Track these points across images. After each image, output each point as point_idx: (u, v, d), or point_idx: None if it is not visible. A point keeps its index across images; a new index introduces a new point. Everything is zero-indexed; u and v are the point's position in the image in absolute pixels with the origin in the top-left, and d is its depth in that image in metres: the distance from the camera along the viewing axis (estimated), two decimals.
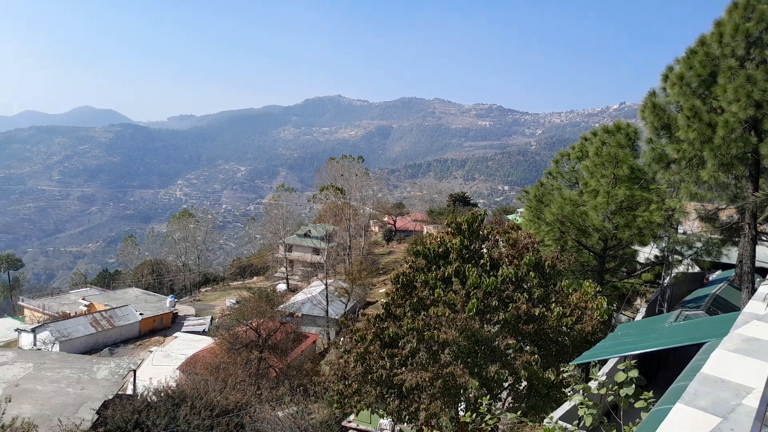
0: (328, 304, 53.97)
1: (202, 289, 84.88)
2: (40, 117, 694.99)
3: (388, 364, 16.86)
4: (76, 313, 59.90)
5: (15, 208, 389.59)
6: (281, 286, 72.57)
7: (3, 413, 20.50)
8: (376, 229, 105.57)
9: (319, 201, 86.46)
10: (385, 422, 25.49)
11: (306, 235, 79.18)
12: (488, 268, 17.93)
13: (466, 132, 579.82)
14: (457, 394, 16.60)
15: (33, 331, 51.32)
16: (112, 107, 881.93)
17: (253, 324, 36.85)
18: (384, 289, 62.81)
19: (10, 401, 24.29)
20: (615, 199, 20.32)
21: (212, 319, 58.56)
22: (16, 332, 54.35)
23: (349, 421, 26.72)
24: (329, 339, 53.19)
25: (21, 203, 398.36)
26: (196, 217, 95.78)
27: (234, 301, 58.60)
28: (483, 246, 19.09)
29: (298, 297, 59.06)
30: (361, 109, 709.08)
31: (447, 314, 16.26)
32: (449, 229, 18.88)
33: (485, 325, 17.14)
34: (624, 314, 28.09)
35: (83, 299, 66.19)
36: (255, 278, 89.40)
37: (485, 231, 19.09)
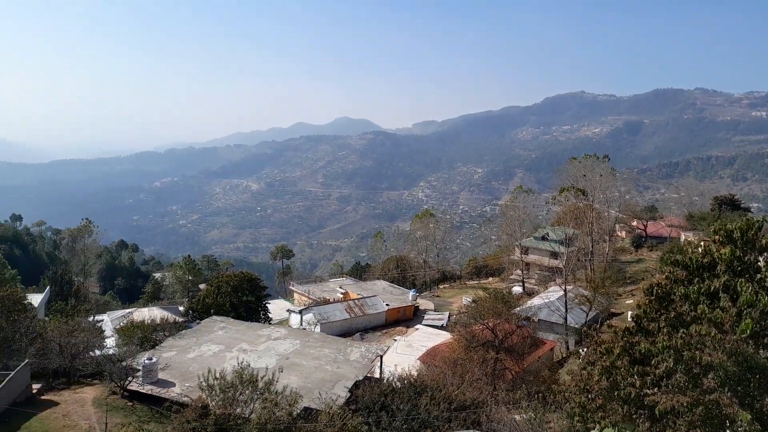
0: (567, 311, 51.71)
1: (440, 286, 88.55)
2: (309, 128, 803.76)
3: (637, 382, 15.49)
4: (334, 299, 67.69)
5: (288, 207, 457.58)
6: (517, 289, 71.81)
7: (277, 381, 24.33)
8: (623, 234, 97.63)
9: (559, 203, 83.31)
10: None
11: (544, 238, 77.00)
12: (767, 284, 15.26)
13: (736, 125, 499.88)
14: (721, 425, 14.52)
15: (300, 312, 59.44)
16: (365, 117, 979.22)
17: (490, 324, 37.16)
18: (632, 301, 57.84)
19: (282, 371, 28.67)
20: None
21: (450, 315, 60.68)
22: (287, 312, 63.61)
23: None
24: (568, 348, 50.96)
25: (293, 202, 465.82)
26: (436, 217, 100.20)
27: (470, 300, 59.78)
28: (760, 258, 16.30)
29: (535, 301, 57.77)
30: (606, 105, 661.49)
31: (712, 334, 14.29)
32: (716, 237, 16.54)
33: (761, 351, 14.65)
34: None
35: (340, 287, 74.50)
36: (490, 279, 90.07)
37: (764, 241, 16.26)
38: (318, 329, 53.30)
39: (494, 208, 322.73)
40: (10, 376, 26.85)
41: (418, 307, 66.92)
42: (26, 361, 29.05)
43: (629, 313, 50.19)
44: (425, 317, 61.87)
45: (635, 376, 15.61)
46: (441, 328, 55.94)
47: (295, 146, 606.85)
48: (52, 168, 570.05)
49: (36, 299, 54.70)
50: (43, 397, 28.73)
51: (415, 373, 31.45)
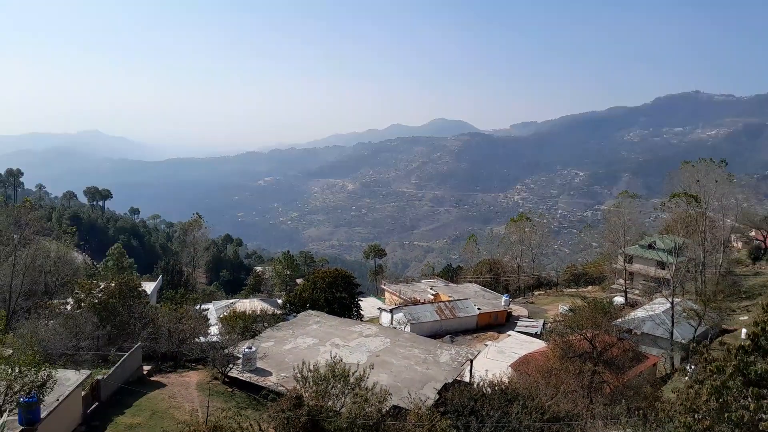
0: (673, 325, 48.40)
1: (535, 292, 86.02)
2: (404, 129, 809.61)
3: (752, 405, 14.24)
4: (424, 300, 67.73)
5: (382, 207, 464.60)
6: (618, 299, 68.27)
7: (367, 377, 24.72)
8: (739, 245, 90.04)
9: (668, 209, 78.23)
10: None
11: (650, 247, 72.53)
12: None
13: None
14: None
15: (391, 311, 60.01)
16: (461, 118, 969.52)
17: (588, 334, 35.61)
18: (747, 317, 53.23)
19: (372, 368, 29.09)
20: None
21: (545, 323, 58.80)
22: (378, 311, 64.46)
23: None
24: (673, 364, 47.74)
25: (386, 202, 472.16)
26: (533, 221, 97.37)
27: (567, 308, 57.61)
28: None
29: (638, 313, 54.61)
30: (723, 105, 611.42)
31: None
32: None
33: None
34: None
35: (431, 289, 74.37)
36: (590, 287, 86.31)
37: None
38: (408, 329, 53.54)
39: (596, 214, 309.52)
40: (125, 357, 29.31)
41: (510, 312, 65.41)
42: (139, 343, 31.60)
43: (744, 330, 46.35)
44: (518, 324, 60.39)
45: (749, 399, 14.39)
46: (535, 336, 54.36)
47: (390, 147, 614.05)
48: (167, 166, 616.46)
49: (149, 287, 59.33)
50: (152, 378, 31.10)
51: (507, 380, 30.75)
